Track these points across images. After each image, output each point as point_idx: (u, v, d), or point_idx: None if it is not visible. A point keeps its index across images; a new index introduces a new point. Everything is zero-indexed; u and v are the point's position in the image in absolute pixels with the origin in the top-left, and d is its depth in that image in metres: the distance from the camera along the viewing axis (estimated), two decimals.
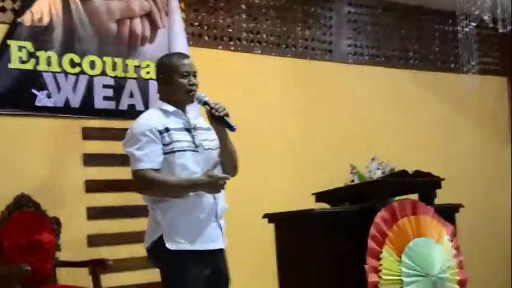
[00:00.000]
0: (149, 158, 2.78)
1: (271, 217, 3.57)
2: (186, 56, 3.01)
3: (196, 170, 2.82)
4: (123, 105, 4.65)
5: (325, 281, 3.30)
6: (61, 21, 4.43)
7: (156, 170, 2.79)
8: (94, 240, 4.42)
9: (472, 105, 6.43)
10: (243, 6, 5.39)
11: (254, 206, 4.35)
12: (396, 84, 6.15)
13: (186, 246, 2.77)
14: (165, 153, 2.81)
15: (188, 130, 2.89)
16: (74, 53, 4.47)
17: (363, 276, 3.22)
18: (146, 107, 4.57)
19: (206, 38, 5.19)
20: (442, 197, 3.68)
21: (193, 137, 2.88)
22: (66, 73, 4.43)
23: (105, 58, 4.59)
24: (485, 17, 5.01)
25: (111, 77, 4.61)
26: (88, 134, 4.51)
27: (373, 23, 6.13)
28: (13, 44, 4.24)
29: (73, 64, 4.46)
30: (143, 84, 4.74)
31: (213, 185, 2.78)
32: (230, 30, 5.30)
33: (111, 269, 4.12)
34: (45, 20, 4.37)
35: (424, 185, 3.67)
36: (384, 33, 6.18)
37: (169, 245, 2.77)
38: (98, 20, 4.60)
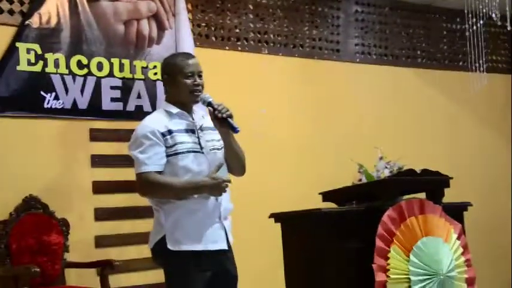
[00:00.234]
0: (152, 160, 2.79)
1: (277, 217, 3.56)
2: (191, 56, 3.00)
3: (200, 171, 2.82)
4: (131, 106, 4.66)
5: (332, 281, 3.29)
6: (69, 23, 4.45)
7: (159, 172, 2.80)
8: (102, 241, 4.44)
9: (480, 103, 6.41)
10: (250, 7, 5.39)
11: (261, 205, 4.35)
12: (404, 83, 6.13)
13: (187, 247, 2.78)
14: (168, 156, 2.82)
15: (193, 131, 2.89)
16: (81, 54, 4.49)
17: (371, 276, 3.21)
18: (154, 108, 4.58)
19: (213, 38, 5.20)
20: (448, 195, 3.66)
21: (198, 138, 2.89)
22: (73, 75, 4.44)
23: (112, 59, 4.61)
24: (494, 15, 4.98)
25: (119, 78, 4.63)
26: (96, 135, 4.53)
27: (380, 22, 6.12)
28: (21, 47, 4.26)
29: (81, 66, 4.48)
30: (151, 85, 4.75)
31: (216, 188, 2.79)
32: (237, 30, 5.31)
33: (119, 269, 4.15)
34: (53, 22, 4.40)
35: (432, 183, 3.66)
36: (392, 32, 6.17)
37: (171, 246, 2.79)
38: (105, 21, 4.61)
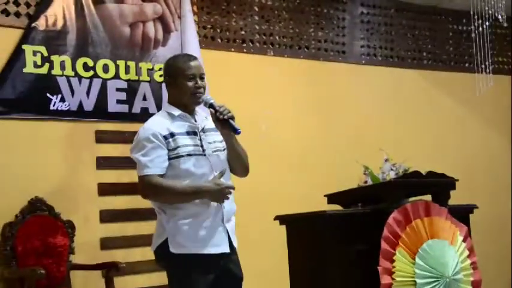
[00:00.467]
0: (154, 163, 2.80)
1: (282, 219, 3.56)
2: (193, 58, 2.99)
3: (202, 174, 2.82)
4: (136, 108, 4.66)
5: (337, 283, 3.29)
6: (75, 26, 4.46)
7: (161, 175, 2.80)
8: (107, 243, 4.44)
9: (486, 105, 6.37)
10: (256, 8, 5.39)
11: (266, 206, 4.35)
12: (409, 84, 6.12)
13: (189, 250, 2.79)
14: (170, 158, 2.82)
15: (195, 133, 2.89)
16: (87, 56, 4.49)
17: (376, 278, 3.20)
18: (159, 110, 4.56)
19: (219, 40, 5.20)
20: (453, 197, 3.65)
21: (200, 140, 2.89)
22: (79, 77, 4.45)
23: (118, 61, 4.61)
24: (500, 16, 4.97)
25: (124, 80, 4.63)
26: (101, 137, 4.53)
27: (386, 24, 6.11)
28: (28, 49, 4.27)
29: (86, 68, 4.49)
30: (156, 87, 4.75)
31: (218, 194, 2.79)
32: (243, 32, 5.31)
33: (125, 271, 4.14)
34: (59, 25, 4.40)
35: (438, 186, 3.65)
36: (397, 33, 6.16)
37: (173, 249, 2.79)
38: (111, 23, 4.62)
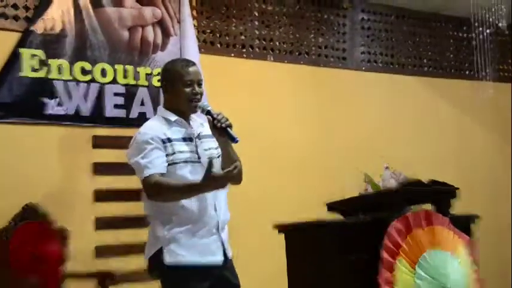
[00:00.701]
0: (154, 164, 2.76)
1: (281, 227, 3.51)
2: (191, 64, 2.96)
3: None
4: (134, 113, 4.62)
5: None
6: (73, 29, 4.41)
7: (162, 174, 2.76)
8: (102, 251, 4.37)
9: (486, 112, 6.37)
10: (256, 13, 5.36)
11: (264, 213, 4.31)
12: (410, 91, 6.10)
13: (184, 259, 2.76)
14: (167, 164, 2.79)
15: (191, 139, 2.86)
16: (85, 60, 4.44)
17: None
18: None
19: (218, 45, 5.17)
20: (454, 206, 3.61)
21: (196, 146, 2.85)
22: (77, 81, 4.40)
23: (116, 66, 4.57)
24: (501, 24, 4.95)
25: (122, 84, 4.59)
26: (98, 143, 4.47)
27: (387, 30, 6.10)
28: (25, 52, 4.23)
29: (84, 72, 4.44)
30: (154, 92, 4.70)
31: (221, 178, 2.68)
32: (243, 37, 5.27)
33: (120, 280, 4.08)
34: (57, 28, 4.36)
35: (439, 194, 3.61)
36: (398, 40, 6.15)
37: (168, 259, 2.75)
38: (110, 27, 4.58)
